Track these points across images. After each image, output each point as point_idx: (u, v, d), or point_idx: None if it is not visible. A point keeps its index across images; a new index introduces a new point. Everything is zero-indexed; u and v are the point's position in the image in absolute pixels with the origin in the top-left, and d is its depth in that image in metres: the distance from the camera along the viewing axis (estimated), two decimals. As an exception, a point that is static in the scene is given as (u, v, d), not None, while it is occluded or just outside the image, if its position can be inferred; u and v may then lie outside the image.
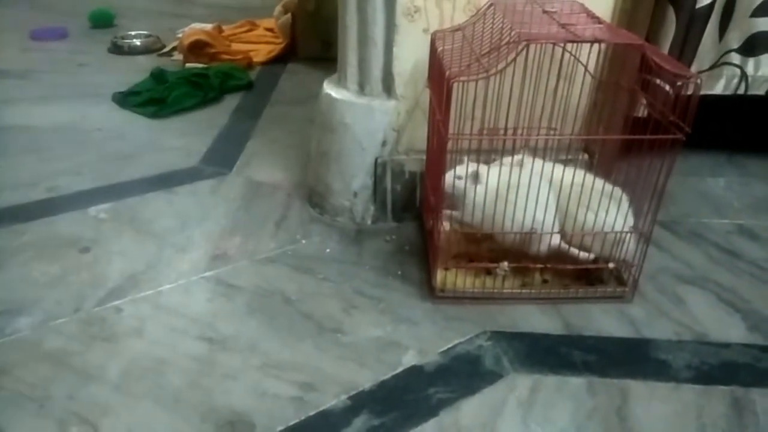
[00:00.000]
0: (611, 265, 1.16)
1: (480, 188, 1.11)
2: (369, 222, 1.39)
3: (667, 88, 1.05)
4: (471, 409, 0.91)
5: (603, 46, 1.19)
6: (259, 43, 2.65)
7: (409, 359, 1.00)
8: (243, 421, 0.88)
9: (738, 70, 1.50)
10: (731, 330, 1.09)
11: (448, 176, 1.13)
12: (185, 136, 1.80)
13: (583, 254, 1.14)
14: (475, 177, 1.12)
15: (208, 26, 2.64)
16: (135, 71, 2.26)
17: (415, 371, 0.98)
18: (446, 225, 1.16)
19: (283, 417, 0.89)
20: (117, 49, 2.58)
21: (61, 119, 1.89)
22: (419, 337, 1.05)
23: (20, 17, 3.00)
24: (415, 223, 1.38)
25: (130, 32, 2.70)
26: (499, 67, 0.98)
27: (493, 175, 1.12)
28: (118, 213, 1.39)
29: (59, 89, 2.15)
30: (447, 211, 1.17)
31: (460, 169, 1.14)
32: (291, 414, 0.89)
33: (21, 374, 0.94)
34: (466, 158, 1.16)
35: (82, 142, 1.76)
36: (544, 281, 1.17)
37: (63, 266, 1.20)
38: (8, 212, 1.37)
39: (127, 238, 1.31)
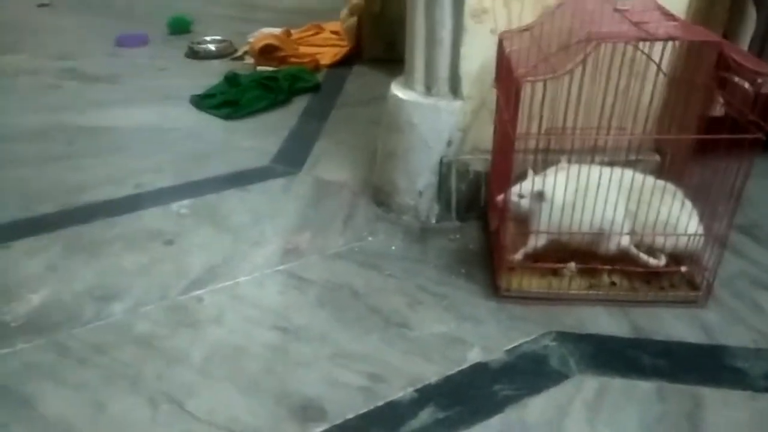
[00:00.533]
0: (683, 268, 1.13)
1: (546, 206, 1.11)
2: (433, 221, 1.41)
3: (747, 86, 1.02)
4: (537, 407, 0.92)
5: (677, 43, 1.16)
6: (325, 45, 2.73)
7: (474, 356, 1.02)
8: (314, 407, 0.93)
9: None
10: (815, 339, 1.04)
11: (512, 195, 1.12)
12: (257, 137, 1.89)
13: (652, 260, 1.12)
14: (540, 196, 1.11)
15: (277, 30, 2.74)
16: (210, 75, 2.38)
17: (480, 368, 1.00)
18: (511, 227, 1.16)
19: (353, 405, 0.93)
20: (193, 54, 2.72)
21: (143, 120, 2.03)
22: (484, 335, 1.06)
23: (106, 25, 3.22)
24: (479, 223, 1.39)
25: (205, 38, 2.85)
26: (569, 66, 0.98)
27: (558, 189, 1.10)
28: (197, 209, 1.49)
29: (142, 92, 2.30)
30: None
31: (525, 186, 1.13)
32: (360, 403, 0.93)
33: (116, 355, 1.03)
34: (528, 172, 1.15)
35: (163, 142, 1.88)
36: (612, 283, 1.16)
37: (150, 257, 1.30)
38: (101, 206, 1.49)
39: (205, 232, 1.39)
